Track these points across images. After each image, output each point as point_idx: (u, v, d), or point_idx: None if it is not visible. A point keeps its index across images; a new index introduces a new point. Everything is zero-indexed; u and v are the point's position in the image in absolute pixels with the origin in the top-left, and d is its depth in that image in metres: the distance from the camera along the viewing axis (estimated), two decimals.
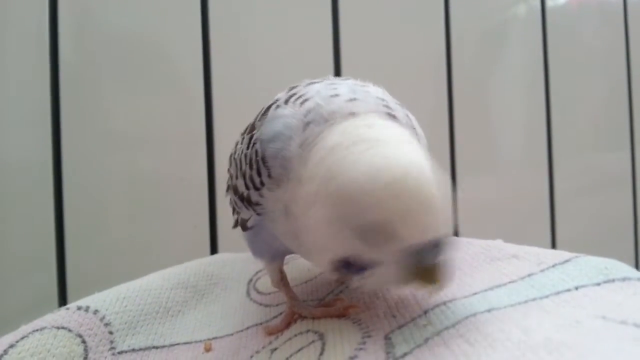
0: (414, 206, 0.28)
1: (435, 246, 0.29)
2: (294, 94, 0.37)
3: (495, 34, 0.91)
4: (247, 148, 0.38)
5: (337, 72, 0.76)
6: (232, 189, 0.41)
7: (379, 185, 0.28)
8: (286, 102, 0.37)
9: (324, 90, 0.36)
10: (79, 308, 0.45)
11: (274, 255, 0.44)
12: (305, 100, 0.36)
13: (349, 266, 0.31)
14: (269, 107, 0.38)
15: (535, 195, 0.92)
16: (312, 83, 0.39)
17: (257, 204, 0.37)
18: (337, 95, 0.35)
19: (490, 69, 0.90)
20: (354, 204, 0.28)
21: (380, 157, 0.29)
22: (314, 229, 0.31)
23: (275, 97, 0.39)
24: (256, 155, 0.36)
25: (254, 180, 0.37)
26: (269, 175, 0.35)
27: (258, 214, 0.38)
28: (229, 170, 0.46)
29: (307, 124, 0.34)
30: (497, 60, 0.91)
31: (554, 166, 0.92)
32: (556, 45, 0.92)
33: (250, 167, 0.37)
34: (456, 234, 0.54)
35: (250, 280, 0.53)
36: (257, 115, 0.40)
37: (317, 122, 0.34)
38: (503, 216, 0.87)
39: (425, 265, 0.29)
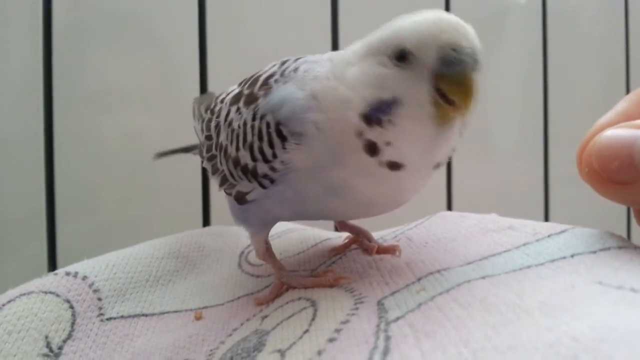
0: (454, 21, 0.32)
1: (470, 52, 0.31)
2: (287, 68, 0.39)
3: (495, 22, 0.91)
4: (253, 120, 0.38)
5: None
6: (232, 161, 0.41)
7: (422, 17, 0.33)
8: (282, 75, 0.39)
9: (308, 56, 0.40)
10: (68, 274, 0.44)
11: (266, 223, 0.43)
12: (296, 68, 0.38)
13: (378, 108, 0.33)
14: (266, 80, 0.40)
15: (530, 182, 0.92)
16: (298, 58, 0.41)
17: (265, 176, 0.38)
18: (320, 55, 0.40)
19: (490, 57, 0.89)
20: (399, 27, 0.33)
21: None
22: (362, 74, 0.34)
23: (270, 71, 0.40)
24: (268, 127, 0.37)
25: (265, 152, 0.37)
26: (293, 134, 0.36)
27: (263, 187, 0.39)
28: (209, 137, 0.45)
29: (315, 77, 0.37)
30: (496, 47, 0.91)
31: (549, 154, 0.92)
32: (555, 33, 0.92)
33: (260, 139, 0.37)
34: None
35: (242, 252, 0.53)
36: (253, 87, 0.40)
37: (316, 63, 0.38)
38: (497, 203, 0.86)
39: (457, 71, 0.31)
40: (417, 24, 0.32)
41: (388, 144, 0.33)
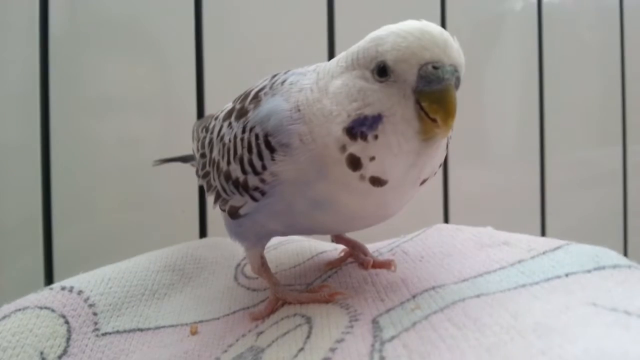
0: (437, 35, 0.32)
1: (451, 70, 0.31)
2: (276, 81, 0.39)
3: (490, 27, 0.91)
4: (243, 132, 0.38)
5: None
6: (224, 175, 0.41)
7: (403, 31, 0.32)
8: (271, 87, 0.39)
9: (298, 69, 0.40)
10: (63, 288, 0.44)
11: (261, 238, 0.43)
12: (284, 81, 0.39)
13: (363, 123, 0.33)
14: (257, 93, 0.40)
15: (527, 188, 0.92)
16: (288, 71, 0.41)
17: (256, 188, 0.38)
18: (308, 66, 0.40)
19: (485, 62, 0.90)
20: (381, 41, 0.33)
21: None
22: (345, 87, 0.34)
23: (261, 85, 0.41)
24: (257, 139, 0.37)
25: (254, 165, 0.37)
26: (281, 145, 0.35)
27: (255, 200, 0.39)
28: (204, 155, 0.45)
29: (301, 89, 0.37)
30: (492, 54, 0.91)
31: (545, 160, 0.92)
32: (551, 39, 0.92)
33: (250, 152, 0.37)
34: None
35: (239, 264, 0.53)
36: (245, 102, 0.40)
37: (303, 75, 0.38)
38: (494, 209, 0.87)
39: (437, 89, 0.31)
40: (399, 38, 0.32)
41: (372, 158, 0.33)
